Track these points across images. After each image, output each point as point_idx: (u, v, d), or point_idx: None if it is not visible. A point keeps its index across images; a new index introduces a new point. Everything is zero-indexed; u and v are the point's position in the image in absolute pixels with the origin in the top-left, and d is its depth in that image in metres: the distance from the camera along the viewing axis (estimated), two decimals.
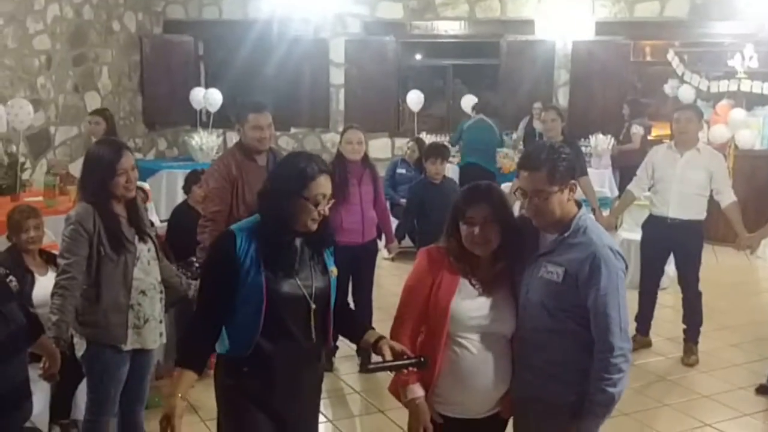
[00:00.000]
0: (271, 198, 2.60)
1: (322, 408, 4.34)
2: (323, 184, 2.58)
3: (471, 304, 2.66)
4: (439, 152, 6.05)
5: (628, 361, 2.58)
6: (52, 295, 3.28)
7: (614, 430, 4.37)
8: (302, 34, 11.31)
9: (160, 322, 3.56)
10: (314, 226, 2.60)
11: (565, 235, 2.62)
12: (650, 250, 5.83)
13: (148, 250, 3.50)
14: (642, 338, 5.92)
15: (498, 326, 2.69)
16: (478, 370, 2.67)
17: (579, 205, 2.69)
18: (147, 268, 3.47)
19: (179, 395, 2.52)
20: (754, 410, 4.86)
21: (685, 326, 5.76)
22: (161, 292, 3.57)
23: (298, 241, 2.63)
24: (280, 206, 2.56)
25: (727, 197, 5.55)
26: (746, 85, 9.29)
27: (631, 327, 5.82)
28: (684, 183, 5.50)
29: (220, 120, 10.12)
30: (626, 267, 2.64)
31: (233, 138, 7.62)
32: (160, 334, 3.57)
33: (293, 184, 2.56)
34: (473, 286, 2.68)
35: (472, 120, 9.43)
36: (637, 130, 10.02)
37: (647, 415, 4.78)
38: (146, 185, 6.97)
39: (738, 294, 7.33)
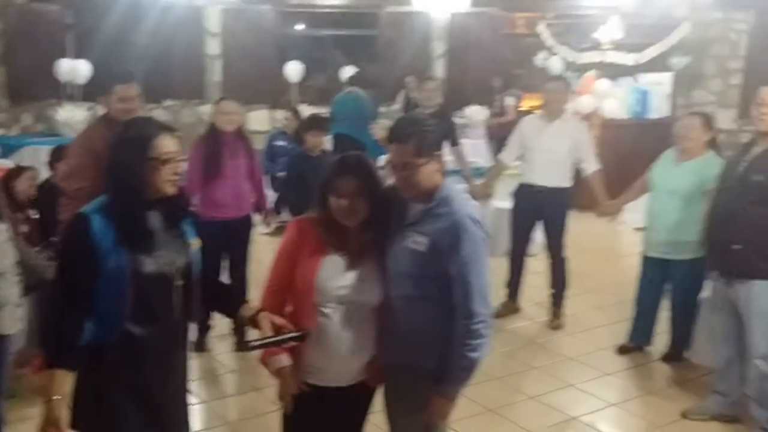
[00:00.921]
0: (118, 170, 2.48)
1: (195, 389, 4.31)
2: (167, 142, 2.49)
3: (337, 275, 2.69)
4: (319, 124, 6.01)
5: (489, 326, 2.67)
6: None
7: (485, 393, 4.58)
8: (175, 2, 10.95)
9: (19, 306, 3.40)
10: (171, 189, 2.51)
11: (430, 205, 2.68)
12: (519, 218, 6.03)
13: (6, 230, 3.33)
14: (512, 304, 6.14)
15: (363, 296, 2.72)
16: (343, 339, 2.71)
17: (445, 175, 2.75)
18: (2, 249, 3.30)
19: (56, 398, 2.41)
20: (615, 369, 5.14)
21: (551, 291, 6.01)
22: (18, 274, 3.41)
23: (155, 215, 2.54)
24: (129, 176, 2.45)
25: (591, 166, 5.79)
26: (611, 57, 9.68)
27: (502, 293, 6.08)
28: (550, 152, 5.70)
29: (90, 92, 9.68)
30: (487, 236, 2.72)
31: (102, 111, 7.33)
32: (19, 319, 3.42)
33: (135, 148, 2.46)
34: (341, 257, 2.71)
35: (342, 92, 9.45)
36: (510, 101, 10.28)
37: (516, 377, 4.98)
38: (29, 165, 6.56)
39: (601, 258, 7.70)
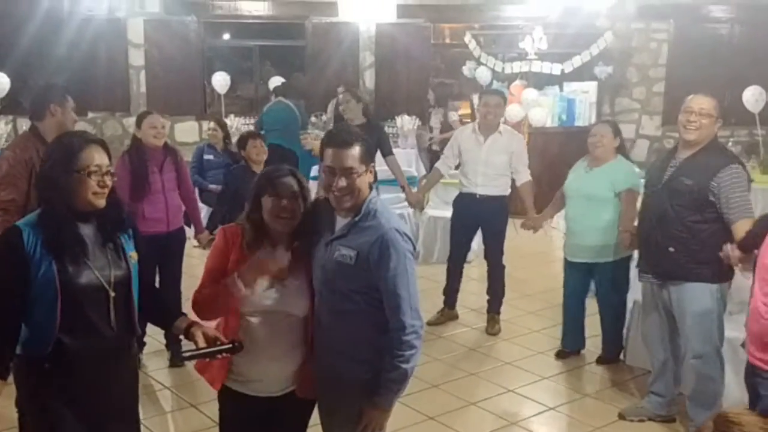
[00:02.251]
0: (46, 182, 2.52)
1: None
2: (94, 154, 2.52)
3: (261, 285, 2.68)
4: (254, 134, 5.95)
5: (420, 337, 2.68)
6: None
7: (425, 401, 4.58)
8: (95, 13, 10.69)
9: None
10: (100, 201, 2.53)
11: (357, 219, 2.67)
12: (459, 226, 6.05)
13: None
14: (449, 311, 6.14)
15: (288, 307, 2.73)
16: (267, 348, 2.72)
17: (370, 188, 2.75)
18: None
19: None
20: (552, 373, 5.18)
21: (489, 298, 6.03)
22: None
23: (89, 228, 2.55)
24: (56, 187, 2.48)
25: (523, 177, 5.87)
26: (537, 66, 9.84)
27: (439, 300, 6.08)
28: (488, 165, 5.78)
29: (9, 105, 9.33)
30: (414, 248, 2.74)
31: (24, 125, 7.07)
32: None
33: (62, 160, 2.50)
34: None
35: (271, 103, 9.38)
36: (455, 117, 10.39)
37: (456, 384, 4.97)
38: None
39: (536, 263, 7.79)
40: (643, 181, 4.72)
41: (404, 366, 2.64)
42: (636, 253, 4.70)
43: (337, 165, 2.63)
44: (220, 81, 10.87)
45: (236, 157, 7.13)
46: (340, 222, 2.71)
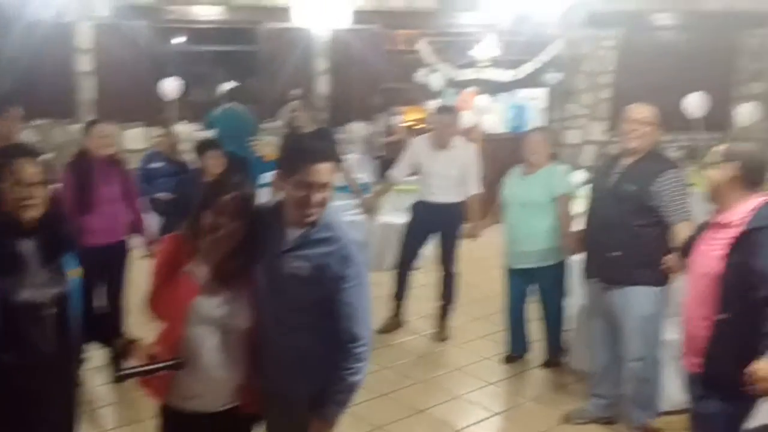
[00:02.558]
0: None
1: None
2: (24, 166, 2.50)
3: (208, 297, 2.64)
4: (213, 144, 5.86)
5: (369, 350, 2.67)
6: None
7: (372, 410, 4.58)
8: (42, 18, 10.48)
9: None
10: (28, 214, 2.49)
11: (313, 230, 2.63)
12: (414, 232, 6.08)
13: None
14: (397, 318, 6.15)
15: (234, 319, 2.68)
16: (211, 362, 2.67)
17: None
18: None
19: None
20: (498, 378, 5.23)
21: (440, 303, 6.06)
22: None
23: (30, 243, 2.51)
24: None
25: (472, 189, 5.93)
26: (489, 73, 9.93)
27: (388, 308, 6.08)
28: (443, 178, 5.87)
29: None
30: (367, 258, 2.74)
31: None
32: None
33: None
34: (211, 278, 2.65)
35: (223, 107, 9.29)
36: (397, 120, 10.42)
37: (403, 392, 4.98)
38: None
39: (483, 267, 7.75)
40: (587, 186, 4.82)
41: (353, 378, 2.63)
42: (574, 258, 4.79)
43: (315, 180, 2.57)
44: (171, 86, 10.74)
45: (184, 165, 7.06)
46: (291, 233, 2.65)
